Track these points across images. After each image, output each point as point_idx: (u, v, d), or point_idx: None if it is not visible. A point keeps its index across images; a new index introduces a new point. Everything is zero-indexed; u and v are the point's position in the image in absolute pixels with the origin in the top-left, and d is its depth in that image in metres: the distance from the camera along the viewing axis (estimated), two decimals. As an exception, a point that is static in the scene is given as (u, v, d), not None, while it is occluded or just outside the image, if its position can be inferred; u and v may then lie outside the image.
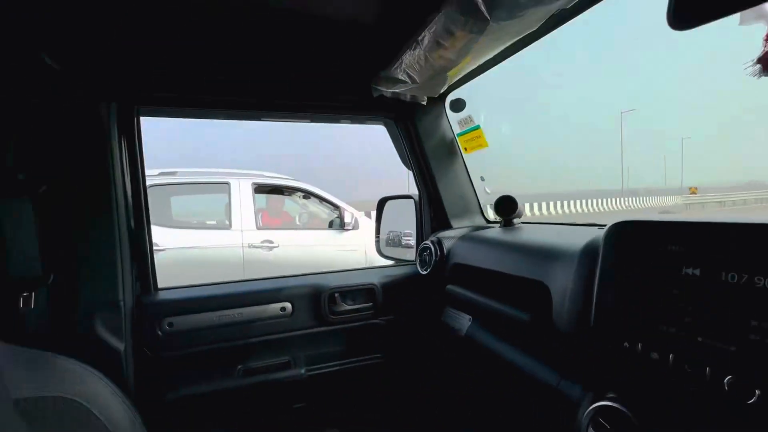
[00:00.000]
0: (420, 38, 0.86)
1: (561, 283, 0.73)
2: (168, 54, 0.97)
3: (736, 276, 0.45)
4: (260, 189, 3.97)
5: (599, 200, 20.11)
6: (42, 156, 0.89)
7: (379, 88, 1.11)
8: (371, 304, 1.23)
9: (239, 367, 1.09)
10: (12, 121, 0.87)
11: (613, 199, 21.33)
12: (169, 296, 1.06)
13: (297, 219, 4.29)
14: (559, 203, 18.02)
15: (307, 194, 4.20)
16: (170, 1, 0.75)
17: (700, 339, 0.48)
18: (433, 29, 0.81)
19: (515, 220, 1.19)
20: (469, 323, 1.11)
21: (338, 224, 4.16)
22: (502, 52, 0.95)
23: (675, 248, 0.51)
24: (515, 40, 0.87)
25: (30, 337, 0.85)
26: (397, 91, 1.15)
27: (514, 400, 0.97)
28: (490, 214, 1.40)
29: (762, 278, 0.43)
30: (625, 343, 0.55)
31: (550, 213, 17.29)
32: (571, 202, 18.63)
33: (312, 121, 1.28)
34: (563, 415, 0.74)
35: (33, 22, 0.77)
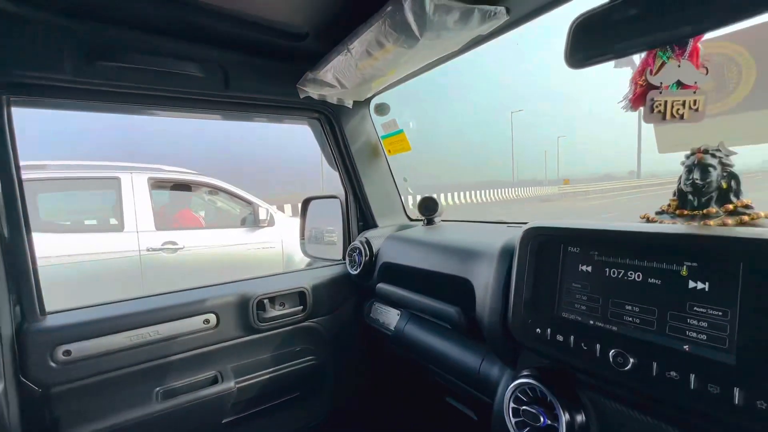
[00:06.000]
0: (351, 46, 0.87)
1: (483, 279, 0.83)
2: (43, 31, 0.82)
3: (615, 272, 0.58)
4: (159, 185, 3.54)
5: (496, 190, 22.96)
6: None
7: (306, 89, 1.09)
8: (302, 307, 1.22)
9: (157, 389, 0.99)
10: None
11: (507, 189, 24.50)
12: (63, 320, 0.91)
13: (204, 217, 3.95)
14: (465, 193, 20.12)
15: (215, 190, 3.88)
16: None
17: (591, 323, 0.60)
18: (365, 39, 0.83)
19: (436, 219, 1.28)
20: (398, 318, 1.18)
21: (251, 221, 3.94)
22: (426, 65, 1.02)
23: (574, 249, 0.63)
24: (440, 56, 0.94)
25: None
26: (323, 93, 1.14)
27: (441, 384, 1.06)
28: (412, 214, 1.49)
29: (632, 273, 0.56)
30: (537, 330, 0.65)
31: (460, 201, 19.25)
32: (475, 192, 20.94)
33: (229, 118, 1.20)
34: (487, 393, 0.85)
35: None
